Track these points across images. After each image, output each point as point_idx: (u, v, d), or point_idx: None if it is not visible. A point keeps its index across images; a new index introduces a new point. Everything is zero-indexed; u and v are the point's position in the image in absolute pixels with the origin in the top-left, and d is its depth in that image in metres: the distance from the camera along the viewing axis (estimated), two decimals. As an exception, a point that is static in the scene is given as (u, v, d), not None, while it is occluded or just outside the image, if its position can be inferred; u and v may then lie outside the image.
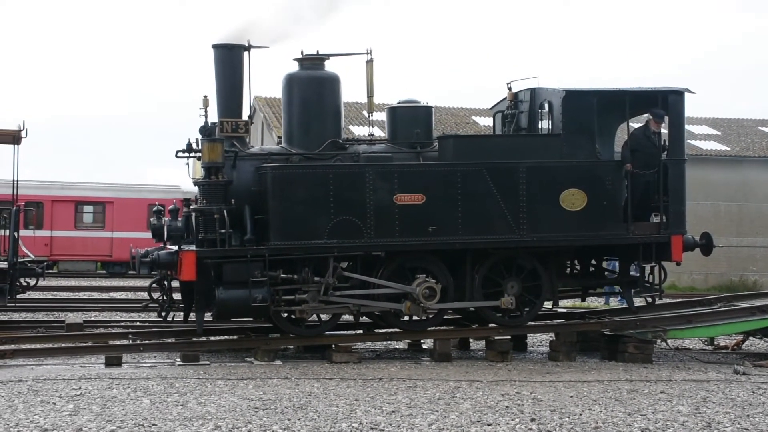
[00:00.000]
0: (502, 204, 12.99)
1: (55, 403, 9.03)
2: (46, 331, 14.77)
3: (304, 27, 13.54)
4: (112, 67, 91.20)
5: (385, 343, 14.50)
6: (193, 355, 12.42)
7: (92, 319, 16.76)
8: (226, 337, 13.92)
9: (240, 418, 8.46)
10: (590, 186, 13.21)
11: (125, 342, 13.27)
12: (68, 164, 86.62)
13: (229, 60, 13.18)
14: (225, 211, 12.33)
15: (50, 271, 30.38)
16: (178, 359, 12.46)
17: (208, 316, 13.18)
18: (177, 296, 13.45)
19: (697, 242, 14.19)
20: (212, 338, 13.77)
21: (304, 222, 12.53)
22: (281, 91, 13.77)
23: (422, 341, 14.27)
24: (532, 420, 8.66)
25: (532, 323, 14.10)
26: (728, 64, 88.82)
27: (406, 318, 13.36)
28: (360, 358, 12.72)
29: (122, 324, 15.94)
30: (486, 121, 35.59)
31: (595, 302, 22.09)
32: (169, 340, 13.26)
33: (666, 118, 13.73)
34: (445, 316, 14.50)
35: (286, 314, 12.95)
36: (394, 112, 13.99)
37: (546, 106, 13.85)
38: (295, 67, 13.65)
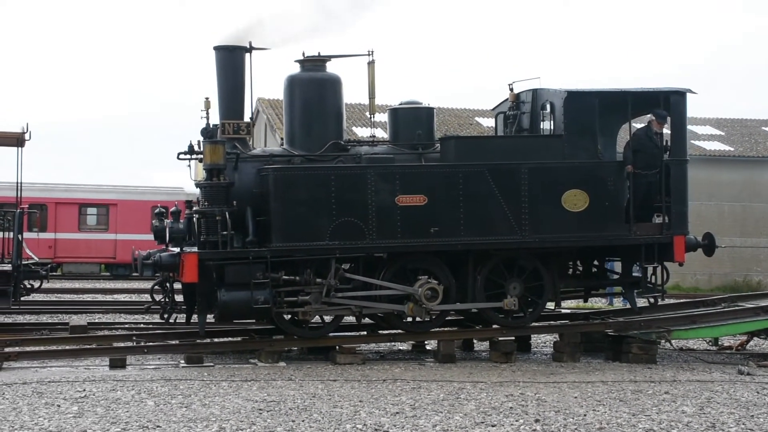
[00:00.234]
0: (504, 205, 12.98)
1: (59, 405, 9.04)
2: (50, 334, 14.77)
3: (335, 24, 13.55)
4: (114, 69, 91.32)
5: (388, 344, 14.50)
6: (197, 357, 12.43)
7: (96, 321, 16.76)
8: (230, 338, 13.92)
9: (244, 420, 8.47)
10: (592, 187, 13.21)
11: (129, 344, 13.29)
12: (72, 166, 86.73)
13: (231, 62, 13.20)
14: (227, 213, 12.33)
15: (54, 274, 30.40)
16: (182, 361, 12.47)
17: (210, 318, 13.19)
18: (179, 298, 13.46)
19: (699, 243, 14.18)
20: (216, 340, 13.77)
21: (305, 223, 12.54)
22: (283, 93, 13.78)
23: (426, 342, 14.27)
24: (537, 421, 8.65)
25: (536, 324, 14.09)
26: (731, 64, 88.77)
27: (409, 319, 13.35)
28: (364, 359, 12.71)
29: (126, 326, 15.94)
30: (489, 122, 35.56)
31: (598, 303, 22.07)
32: (173, 342, 13.27)
33: (668, 119, 13.72)
34: (448, 318, 14.51)
35: (288, 316, 12.96)
36: (395, 113, 13.99)
37: (548, 107, 13.86)
38: (296, 69, 13.66)
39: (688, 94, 13.71)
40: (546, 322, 14.79)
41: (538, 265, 13.36)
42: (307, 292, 12.59)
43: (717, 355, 14.67)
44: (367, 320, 14.02)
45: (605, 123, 13.92)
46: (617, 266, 15.09)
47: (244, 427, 8.18)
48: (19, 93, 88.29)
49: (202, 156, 12.81)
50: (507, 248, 13.21)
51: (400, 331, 13.50)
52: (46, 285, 17.19)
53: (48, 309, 18.75)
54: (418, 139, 13.61)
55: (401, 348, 14.69)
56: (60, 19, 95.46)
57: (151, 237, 13.85)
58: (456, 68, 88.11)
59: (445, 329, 14.11)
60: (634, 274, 14.36)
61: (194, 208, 13.02)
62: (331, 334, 13.42)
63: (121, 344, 13.30)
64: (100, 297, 22.94)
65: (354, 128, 33.35)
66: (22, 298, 15.99)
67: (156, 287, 13.48)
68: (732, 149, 37.11)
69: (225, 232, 12.28)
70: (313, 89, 13.50)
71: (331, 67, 13.71)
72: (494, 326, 13.46)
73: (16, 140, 15.93)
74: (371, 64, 13.70)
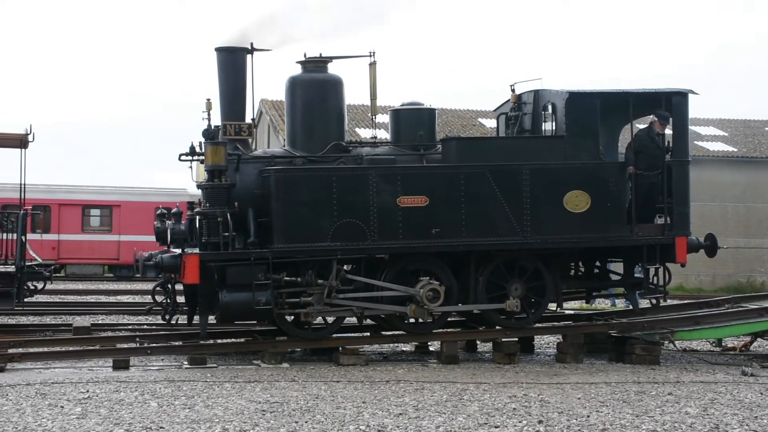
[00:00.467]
0: (506, 206, 12.98)
1: (63, 407, 9.04)
2: (53, 335, 14.79)
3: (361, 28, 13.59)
4: (116, 70, 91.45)
5: (392, 345, 14.50)
6: (201, 358, 12.43)
7: (100, 322, 16.78)
8: (233, 340, 13.93)
9: (247, 421, 8.47)
10: (594, 188, 13.21)
11: (133, 345, 13.31)
12: (75, 167, 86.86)
13: (232, 63, 13.20)
14: (228, 214, 12.34)
15: (57, 275, 30.41)
16: (186, 362, 12.48)
17: (211, 319, 13.19)
18: (181, 299, 13.47)
19: (701, 243, 14.17)
20: (219, 341, 13.77)
21: (307, 225, 12.54)
22: (284, 94, 13.79)
23: (429, 343, 14.27)
24: (540, 422, 8.65)
25: (539, 325, 14.07)
26: (734, 65, 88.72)
27: (411, 320, 13.34)
28: (367, 360, 12.72)
29: (129, 327, 15.97)
30: (492, 123, 35.48)
31: (601, 304, 22.06)
32: (177, 343, 13.28)
33: (670, 120, 13.71)
34: (451, 319, 14.51)
35: (292, 317, 12.96)
36: (397, 114, 14.00)
37: (549, 107, 13.86)
38: (298, 70, 13.67)
39: (690, 95, 13.71)
40: (549, 323, 14.79)
41: (539, 266, 13.35)
42: (309, 293, 12.60)
43: (720, 356, 14.65)
44: (369, 321, 14.02)
45: (607, 124, 13.91)
46: (613, 266, 15.06)
47: (247, 429, 8.18)
48: (21, 94, 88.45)
49: (203, 157, 12.82)
50: (509, 249, 13.21)
51: (403, 332, 13.50)
52: (49, 286, 17.24)
53: (51, 310, 18.77)
54: (419, 140, 13.61)
55: (404, 349, 14.69)
56: (62, 21, 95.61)
57: (154, 238, 13.87)
58: (456, 68, 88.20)
59: (448, 330, 14.12)
60: (636, 275, 14.36)
61: (196, 210, 13.03)
62: (334, 335, 13.42)
63: (125, 345, 13.32)
64: (103, 298, 22.97)
65: (357, 129, 33.37)
66: (26, 300, 16.00)
67: (157, 288, 13.49)
68: (735, 150, 37.08)
69: (226, 234, 12.29)
70: (315, 90, 13.51)
71: (333, 69, 13.73)
72: (497, 327, 13.46)
73: (20, 142, 15.95)
74: (373, 65, 13.71)
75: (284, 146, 14.09)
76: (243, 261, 12.34)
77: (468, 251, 13.09)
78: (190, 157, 13.17)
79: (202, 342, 13.12)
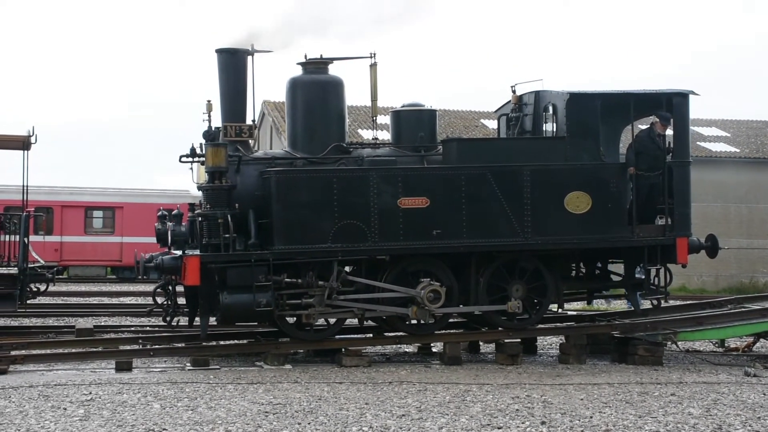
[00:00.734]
0: (507, 207, 12.98)
1: (65, 409, 9.05)
2: (56, 337, 14.79)
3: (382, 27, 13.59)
4: (116, 71, 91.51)
5: (394, 346, 14.50)
6: (203, 360, 12.43)
7: (102, 324, 16.81)
8: (236, 341, 13.93)
9: (250, 423, 8.47)
10: (595, 189, 13.20)
11: (135, 347, 13.32)
12: (77, 169, 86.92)
13: (233, 64, 13.20)
14: (229, 216, 12.35)
15: (60, 277, 30.45)
16: (188, 364, 12.48)
17: (212, 321, 13.19)
18: (182, 301, 13.47)
19: (702, 244, 14.17)
20: (222, 343, 13.77)
21: (308, 226, 12.54)
22: (285, 96, 13.80)
23: (432, 344, 14.26)
24: (543, 423, 8.65)
25: (542, 326, 14.06)
26: (736, 65, 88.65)
27: (413, 322, 13.34)
28: (370, 361, 12.71)
29: (132, 329, 15.97)
30: (495, 124, 35.52)
31: (604, 305, 22.02)
32: (179, 345, 13.28)
33: (671, 121, 13.70)
34: (454, 320, 14.51)
35: (294, 319, 12.96)
36: (398, 115, 14.00)
37: (550, 108, 13.86)
38: (298, 71, 13.67)
39: (691, 96, 13.70)
40: (552, 324, 14.78)
41: (540, 267, 13.34)
42: (311, 294, 12.59)
43: (723, 356, 14.63)
44: (370, 323, 14.01)
45: (608, 125, 13.91)
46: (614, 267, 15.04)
47: (250, 430, 8.19)
48: (21, 94, 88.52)
49: (204, 159, 12.82)
50: (509, 250, 13.20)
51: (405, 333, 13.49)
52: (52, 288, 17.23)
53: (54, 312, 18.79)
54: (420, 142, 13.61)
55: (407, 350, 14.69)
56: (62, 22, 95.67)
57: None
58: (456, 69, 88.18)
59: (451, 331, 14.11)
60: (637, 276, 14.35)
61: (196, 211, 13.04)
62: (337, 337, 13.42)
63: (127, 347, 13.33)
64: (106, 300, 22.99)
65: (359, 130, 33.38)
66: (29, 302, 16.00)
67: (158, 290, 13.49)
68: (738, 150, 37.06)
69: (227, 235, 12.30)
70: (315, 91, 13.51)
71: (334, 70, 13.73)
72: (500, 328, 13.45)
73: (22, 144, 15.95)
74: (373, 66, 13.71)
75: (285, 148, 14.10)
76: (244, 262, 12.34)
77: (469, 252, 13.09)
78: (190, 159, 13.17)
79: (204, 344, 13.12)
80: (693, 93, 13.72)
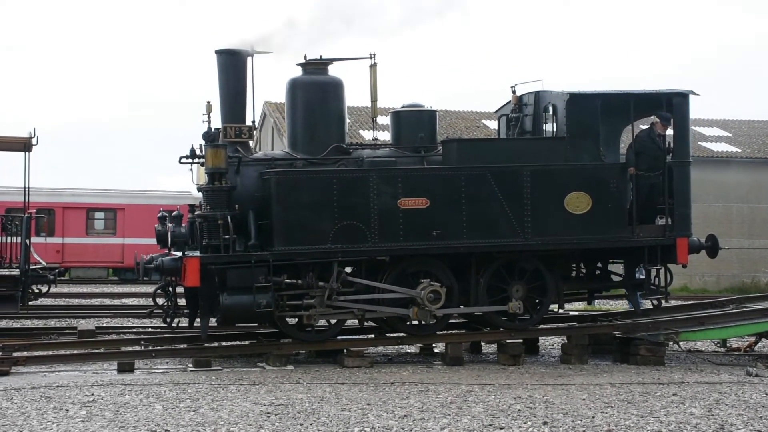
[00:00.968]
0: (507, 207, 12.97)
1: (67, 410, 9.06)
2: (58, 338, 14.80)
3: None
4: (116, 71, 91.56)
5: (396, 347, 14.49)
6: (205, 361, 12.43)
7: (104, 325, 16.82)
8: (237, 342, 13.94)
9: (252, 424, 8.48)
10: (595, 189, 13.19)
11: (137, 348, 13.32)
12: (79, 171, 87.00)
13: (233, 65, 13.20)
14: (229, 217, 12.35)
15: (62, 278, 30.47)
16: (190, 365, 12.48)
17: (212, 322, 13.20)
18: (182, 302, 13.48)
19: (702, 244, 14.16)
20: (224, 344, 13.79)
21: (308, 227, 12.53)
22: (285, 96, 13.81)
23: (434, 345, 14.26)
24: (545, 423, 8.65)
25: (544, 326, 14.04)
26: (737, 65, 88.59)
27: (414, 322, 13.33)
28: (372, 362, 12.71)
29: (134, 330, 15.98)
30: (496, 125, 35.58)
31: (605, 305, 22.02)
32: (181, 346, 13.29)
33: (671, 121, 13.70)
34: (456, 320, 14.51)
35: (296, 320, 12.95)
36: (398, 116, 14.01)
37: (550, 109, 13.86)
38: (298, 72, 13.68)
39: (691, 96, 13.69)
40: (554, 325, 14.78)
41: (540, 266, 13.34)
42: (312, 295, 12.60)
43: (725, 356, 14.63)
44: (370, 323, 14.01)
45: (608, 125, 13.90)
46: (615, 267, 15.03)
47: (252, 431, 8.19)
48: (23, 95, 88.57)
49: (203, 160, 12.83)
50: (510, 251, 13.20)
51: (407, 334, 13.49)
52: (54, 289, 17.24)
53: (56, 313, 18.80)
54: (420, 142, 13.62)
55: (409, 351, 14.69)
56: (65, 23, 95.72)
57: (156, 241, 13.87)
58: (456, 69, 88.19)
59: (453, 332, 14.11)
60: (637, 277, 14.35)
61: (196, 212, 13.04)
62: (339, 338, 13.42)
63: (129, 348, 13.33)
64: (108, 301, 22.99)
65: (361, 131, 33.39)
66: (31, 303, 16.01)
67: (159, 291, 13.50)
68: (739, 150, 37.05)
69: (227, 236, 12.30)
70: (315, 92, 13.51)
71: (336, 71, 13.73)
72: (501, 329, 13.45)
73: (23, 145, 15.96)
74: (373, 67, 13.71)
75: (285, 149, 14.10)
76: (243, 264, 12.34)
77: (469, 253, 13.09)
78: (190, 160, 13.17)
79: (206, 345, 13.13)
80: (693, 93, 13.72)
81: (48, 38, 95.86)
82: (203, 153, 12.83)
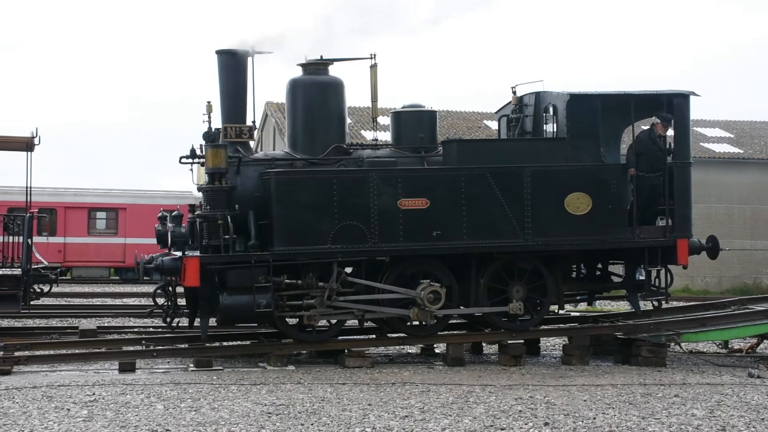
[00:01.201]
0: (507, 208, 12.96)
1: (69, 409, 9.06)
2: (60, 338, 14.80)
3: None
4: (116, 71, 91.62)
5: (397, 347, 14.49)
6: (206, 361, 12.43)
7: (106, 325, 16.82)
8: (238, 342, 13.94)
9: (253, 424, 8.48)
10: (595, 190, 13.18)
11: (139, 348, 13.33)
12: (81, 171, 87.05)
13: (233, 65, 13.20)
14: (229, 217, 12.35)
15: (64, 278, 30.49)
16: (192, 365, 12.48)
17: (212, 322, 13.19)
18: (182, 302, 13.47)
19: (703, 246, 14.14)
20: (225, 344, 13.79)
21: (307, 227, 12.52)
22: (285, 97, 13.80)
23: (435, 345, 14.26)
24: (546, 424, 8.64)
25: (545, 327, 14.02)
26: (740, 66, 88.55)
27: (415, 323, 13.32)
28: (373, 362, 12.71)
29: (135, 330, 15.98)
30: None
31: (607, 306, 22.01)
32: (182, 346, 13.29)
33: (672, 122, 13.68)
34: (457, 321, 14.49)
35: (295, 320, 12.95)
36: (398, 116, 14.00)
37: (550, 109, 13.85)
38: (299, 73, 13.67)
39: (692, 97, 13.68)
40: (555, 325, 14.76)
41: (540, 267, 13.32)
42: (312, 295, 12.59)
43: (727, 358, 14.62)
44: (370, 324, 14.01)
45: (608, 126, 13.87)
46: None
47: (253, 431, 8.19)
48: (25, 96, 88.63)
49: (204, 160, 12.82)
50: (510, 251, 13.19)
51: (408, 334, 13.48)
52: (55, 289, 17.25)
53: (57, 313, 18.80)
54: (420, 143, 13.61)
55: (410, 351, 14.68)
56: (66, 23, 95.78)
57: (157, 241, 13.86)
58: (456, 70, 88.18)
59: (454, 332, 14.11)
60: (638, 278, 14.33)
61: (196, 212, 13.04)
62: (340, 338, 13.41)
63: (131, 348, 13.33)
64: (109, 301, 23.00)
65: (362, 131, 33.37)
66: (32, 303, 16.02)
67: (158, 291, 13.50)
68: (741, 151, 37.03)
69: (227, 236, 12.30)
70: (315, 93, 13.51)
71: (337, 71, 13.73)
72: (502, 329, 13.44)
73: (26, 145, 15.97)
74: (373, 67, 13.71)
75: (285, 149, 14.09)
76: (243, 264, 12.34)
77: (469, 253, 13.08)
78: (190, 160, 13.17)
79: (207, 345, 13.12)
80: (693, 94, 13.70)
81: (48, 38, 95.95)
82: (203, 153, 12.83)
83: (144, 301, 22.41)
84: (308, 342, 13.10)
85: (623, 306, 20.28)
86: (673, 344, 13.84)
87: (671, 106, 13.61)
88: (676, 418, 9.07)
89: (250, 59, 13.26)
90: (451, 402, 9.75)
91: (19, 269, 15.00)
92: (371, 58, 13.65)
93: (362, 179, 12.73)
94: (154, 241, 13.78)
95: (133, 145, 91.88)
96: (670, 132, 13.80)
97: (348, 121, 14.03)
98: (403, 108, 14.08)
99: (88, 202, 35.53)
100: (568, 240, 13.19)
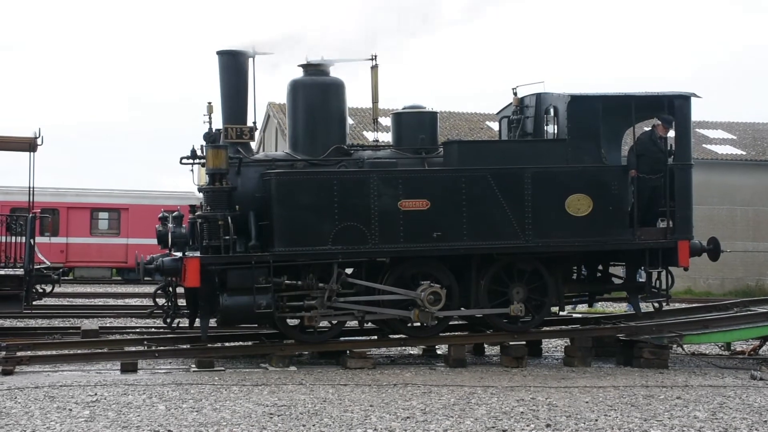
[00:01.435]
0: (507, 209, 12.95)
1: (71, 410, 9.06)
2: (62, 338, 14.81)
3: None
4: (117, 71, 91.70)
5: (399, 348, 14.48)
6: (208, 362, 12.43)
7: (108, 325, 16.82)
8: (240, 343, 13.94)
9: (255, 424, 8.47)
10: (596, 191, 13.16)
11: (141, 348, 13.32)
12: (83, 171, 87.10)
13: (234, 66, 13.20)
14: (229, 218, 12.35)
15: (66, 278, 30.46)
16: (193, 365, 12.48)
17: (212, 323, 13.19)
18: (182, 302, 13.47)
19: (704, 247, 14.13)
20: (227, 344, 13.79)
21: (308, 228, 12.51)
22: (286, 98, 13.80)
23: (437, 347, 14.25)
24: (548, 426, 8.63)
25: (547, 329, 14.00)
26: (742, 67, 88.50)
27: (416, 324, 13.31)
28: (374, 363, 12.71)
29: (137, 330, 15.99)
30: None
31: (609, 308, 22.00)
32: (185, 347, 13.29)
33: (673, 123, 13.67)
34: (459, 322, 14.48)
35: (295, 321, 12.95)
36: (398, 117, 13.99)
37: (551, 111, 13.84)
38: (299, 74, 13.67)
39: (693, 98, 13.66)
40: (557, 327, 14.75)
41: (541, 269, 13.31)
42: (313, 296, 12.59)
43: (729, 359, 14.60)
44: (370, 325, 14.00)
45: (609, 127, 13.87)
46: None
47: (254, 432, 8.19)
48: (27, 96, 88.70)
49: (204, 160, 12.82)
50: (510, 253, 13.18)
51: (410, 336, 13.47)
52: (57, 289, 17.25)
53: (60, 313, 18.81)
54: (421, 144, 13.61)
55: (412, 352, 14.68)
56: (68, 24, 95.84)
57: (157, 241, 13.86)
58: (457, 70, 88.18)
59: (456, 333, 14.10)
60: (638, 279, 14.32)
61: (197, 213, 13.05)
62: (342, 339, 13.41)
63: (133, 348, 13.33)
64: (111, 301, 23.02)
65: (364, 132, 33.35)
66: (34, 303, 16.02)
67: (159, 291, 13.50)
68: (744, 153, 37.00)
69: (227, 237, 12.30)
70: (316, 94, 13.50)
71: (337, 72, 13.73)
72: (503, 330, 13.43)
73: (28, 145, 15.97)
74: (374, 68, 13.70)
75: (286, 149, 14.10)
76: (244, 264, 12.34)
77: (469, 255, 13.07)
78: (191, 161, 13.17)
79: (209, 345, 13.12)
80: (695, 95, 13.69)
81: (48, 38, 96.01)
82: (204, 153, 12.83)
83: (146, 302, 22.41)
84: (310, 343, 13.10)
85: (625, 307, 20.28)
86: (675, 346, 13.82)
87: (672, 107, 13.60)
88: (679, 420, 9.06)
89: (250, 60, 13.27)
90: (452, 403, 9.74)
91: (22, 269, 15.01)
92: (372, 59, 13.65)
93: (363, 180, 12.73)
94: (156, 241, 13.77)
95: (134, 146, 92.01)
96: (671, 133, 13.79)
97: (349, 122, 14.03)
98: (403, 109, 14.08)
99: (90, 203, 35.54)
100: (569, 241, 13.18)
